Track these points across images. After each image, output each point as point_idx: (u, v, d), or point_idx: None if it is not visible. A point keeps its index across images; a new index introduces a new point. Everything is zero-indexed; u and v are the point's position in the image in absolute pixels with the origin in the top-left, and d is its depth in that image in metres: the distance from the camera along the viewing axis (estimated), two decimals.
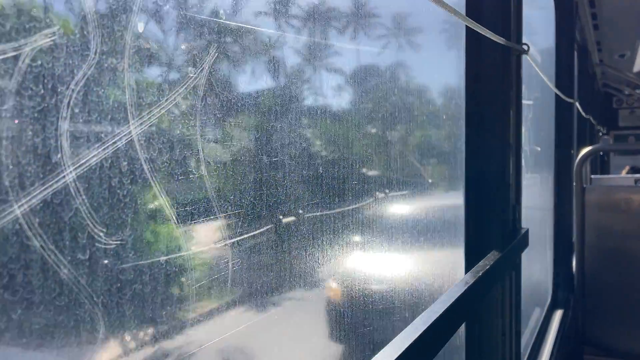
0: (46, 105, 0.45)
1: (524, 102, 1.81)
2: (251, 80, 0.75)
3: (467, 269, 1.57)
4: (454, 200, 1.68)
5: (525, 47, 1.69)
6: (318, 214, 0.92)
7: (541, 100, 3.18)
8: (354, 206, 1.07)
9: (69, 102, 0.46)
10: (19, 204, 0.43)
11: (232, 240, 0.72)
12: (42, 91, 0.45)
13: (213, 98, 0.66)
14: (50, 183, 0.46)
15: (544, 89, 3.13)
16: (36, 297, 0.45)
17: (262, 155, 0.76)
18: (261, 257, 0.80)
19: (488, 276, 1.26)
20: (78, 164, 0.48)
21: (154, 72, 0.57)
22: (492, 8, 1.55)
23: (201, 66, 0.64)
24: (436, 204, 1.61)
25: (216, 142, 0.67)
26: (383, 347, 0.78)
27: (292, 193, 0.84)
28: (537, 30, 3.04)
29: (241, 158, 0.72)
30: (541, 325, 2.92)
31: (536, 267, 2.90)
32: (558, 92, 3.13)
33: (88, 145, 0.49)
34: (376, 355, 0.75)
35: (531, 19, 2.49)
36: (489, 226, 1.58)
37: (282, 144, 0.80)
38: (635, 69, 6.51)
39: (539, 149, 3.13)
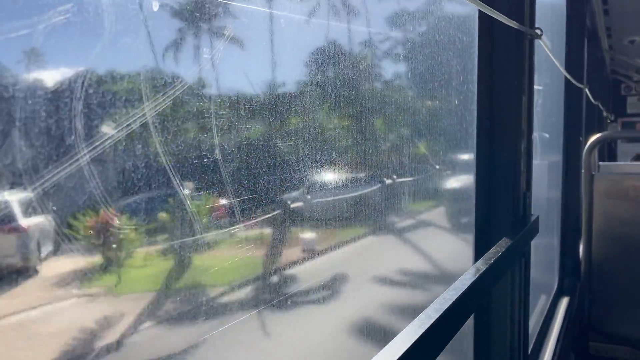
0: (60, 85, 0.44)
1: (535, 87, 1.78)
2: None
3: (476, 257, 1.55)
4: None
5: (538, 31, 1.66)
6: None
7: (550, 86, 3.15)
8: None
9: (83, 83, 0.45)
10: (33, 186, 0.42)
11: (245, 224, 0.71)
12: (56, 71, 0.43)
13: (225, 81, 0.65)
14: (64, 166, 0.44)
15: (553, 74, 3.09)
16: None
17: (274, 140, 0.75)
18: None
19: (499, 264, 1.25)
20: (92, 147, 0.47)
21: (168, 53, 0.55)
22: None
23: (215, 48, 0.62)
24: None
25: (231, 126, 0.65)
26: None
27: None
28: (547, 15, 3.00)
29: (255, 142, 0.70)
30: (547, 311, 2.91)
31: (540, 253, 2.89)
32: (569, 77, 3.09)
33: (102, 128, 0.48)
34: (388, 344, 0.74)
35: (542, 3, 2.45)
36: (500, 213, 1.56)
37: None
38: None
39: (547, 135, 3.10)
